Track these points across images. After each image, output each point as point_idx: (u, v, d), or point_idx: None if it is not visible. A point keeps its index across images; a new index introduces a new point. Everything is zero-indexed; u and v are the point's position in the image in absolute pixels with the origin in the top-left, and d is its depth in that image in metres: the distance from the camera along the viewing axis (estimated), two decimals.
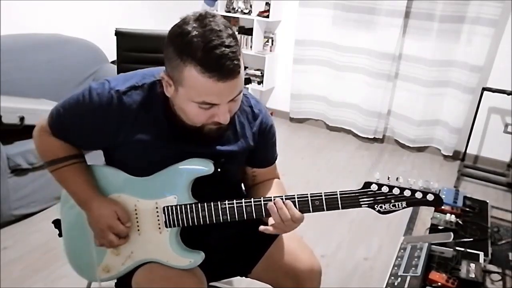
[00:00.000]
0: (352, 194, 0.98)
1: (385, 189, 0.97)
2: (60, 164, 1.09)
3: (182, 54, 0.87)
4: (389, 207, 0.97)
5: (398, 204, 0.97)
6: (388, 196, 0.97)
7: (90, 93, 1.02)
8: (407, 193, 0.96)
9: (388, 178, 0.97)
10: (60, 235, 1.23)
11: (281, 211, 0.99)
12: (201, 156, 1.06)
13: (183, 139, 1.05)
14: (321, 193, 0.99)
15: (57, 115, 1.09)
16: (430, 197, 0.95)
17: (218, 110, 0.93)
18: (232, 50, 0.87)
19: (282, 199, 1.01)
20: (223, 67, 0.86)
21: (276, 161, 1.30)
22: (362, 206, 0.98)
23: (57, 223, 1.24)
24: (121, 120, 1.02)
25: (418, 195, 0.95)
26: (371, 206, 0.98)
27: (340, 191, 0.98)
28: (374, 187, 0.97)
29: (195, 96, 0.91)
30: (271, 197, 1.02)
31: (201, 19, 0.88)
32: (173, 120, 1.03)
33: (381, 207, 0.97)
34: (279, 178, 1.29)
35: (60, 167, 1.09)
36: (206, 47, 0.85)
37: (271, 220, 1.02)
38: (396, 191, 0.96)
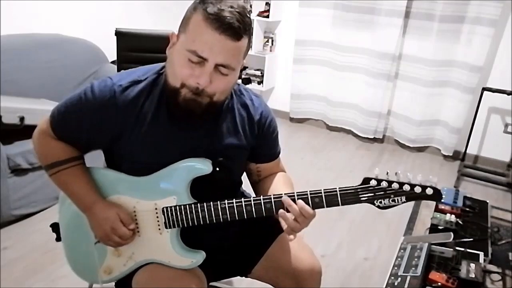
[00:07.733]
0: (352, 190, 0.97)
1: (384, 184, 0.96)
2: (62, 167, 1.08)
3: (196, 5, 0.95)
4: (389, 202, 0.96)
5: (397, 199, 0.96)
6: (388, 191, 0.96)
7: (93, 90, 1.03)
8: (406, 187, 0.95)
9: (387, 174, 0.96)
10: (58, 239, 1.21)
11: (290, 208, 0.99)
12: (201, 150, 1.07)
13: (184, 131, 1.06)
14: (321, 190, 0.99)
15: (59, 115, 1.07)
16: (429, 191, 0.94)
17: (203, 70, 0.95)
18: (241, 18, 0.93)
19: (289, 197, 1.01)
20: (225, 19, 0.92)
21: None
22: (362, 201, 0.97)
23: (55, 227, 1.21)
24: (124, 115, 1.03)
25: (417, 189, 0.94)
26: (370, 201, 0.97)
27: (339, 188, 0.98)
28: (373, 182, 0.96)
29: (190, 41, 0.94)
30: (270, 196, 1.02)
31: None
32: (174, 111, 1.03)
33: (380, 202, 0.96)
34: (285, 171, 1.29)
35: (61, 169, 1.08)
36: (220, 4, 0.93)
37: (283, 223, 1.02)
38: (395, 186, 0.95)
